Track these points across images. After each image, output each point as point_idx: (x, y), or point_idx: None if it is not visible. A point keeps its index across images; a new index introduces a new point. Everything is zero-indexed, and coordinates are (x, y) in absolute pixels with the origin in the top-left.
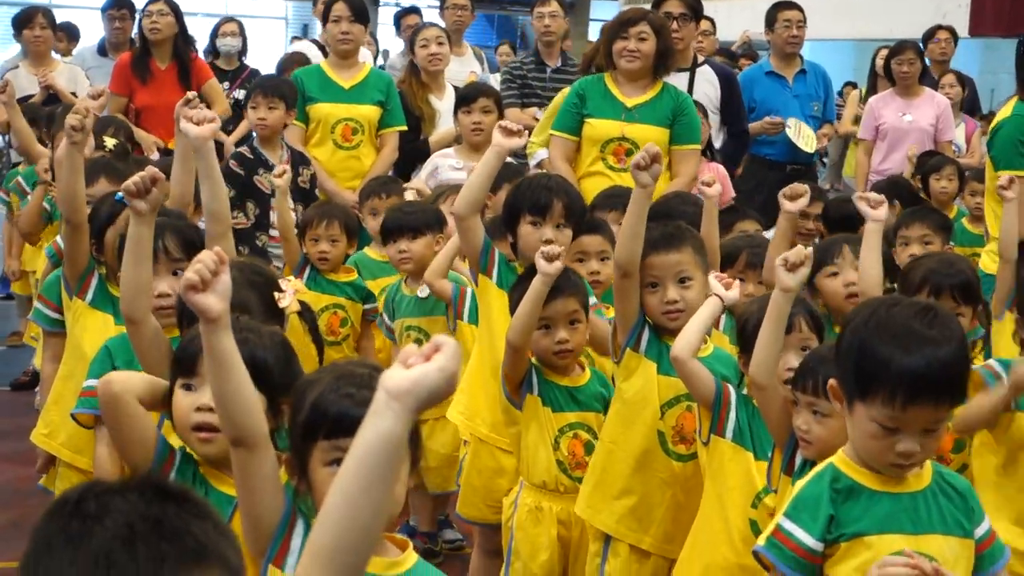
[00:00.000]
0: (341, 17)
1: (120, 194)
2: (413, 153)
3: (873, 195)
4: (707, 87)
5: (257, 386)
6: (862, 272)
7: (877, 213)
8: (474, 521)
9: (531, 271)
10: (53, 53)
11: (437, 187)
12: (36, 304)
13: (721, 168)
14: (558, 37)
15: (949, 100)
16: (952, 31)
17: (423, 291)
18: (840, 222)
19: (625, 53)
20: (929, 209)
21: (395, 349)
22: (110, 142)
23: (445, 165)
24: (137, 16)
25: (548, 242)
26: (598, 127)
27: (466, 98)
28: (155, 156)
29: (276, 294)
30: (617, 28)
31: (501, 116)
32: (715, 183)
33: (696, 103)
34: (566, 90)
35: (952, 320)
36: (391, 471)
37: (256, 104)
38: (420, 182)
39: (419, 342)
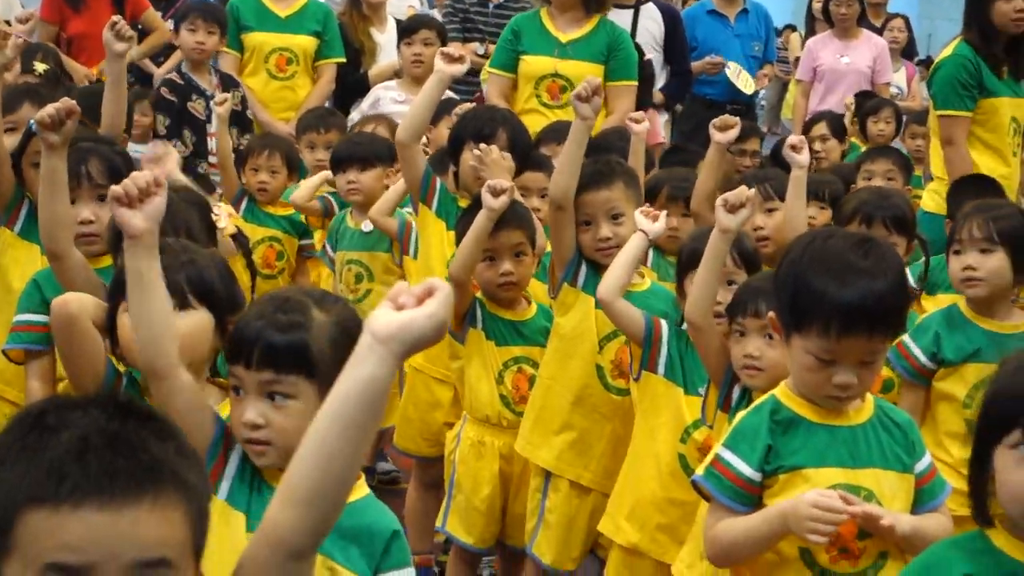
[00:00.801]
0: None
1: (33, 123)
2: (354, 86)
3: (796, 138)
4: (651, 24)
5: (207, 307)
6: (788, 219)
7: (800, 158)
8: (411, 454)
9: (476, 204)
10: None
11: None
12: None
13: (652, 113)
14: None
15: (895, 44)
16: None
17: (367, 225)
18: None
19: None
20: (893, 148)
21: (334, 281)
22: (40, 67)
23: (387, 98)
24: None
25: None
26: (532, 64)
27: (408, 29)
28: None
29: (213, 214)
30: None
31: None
32: (643, 120)
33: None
34: None
35: (889, 251)
36: (371, 417)
37: (195, 27)
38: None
39: (359, 277)
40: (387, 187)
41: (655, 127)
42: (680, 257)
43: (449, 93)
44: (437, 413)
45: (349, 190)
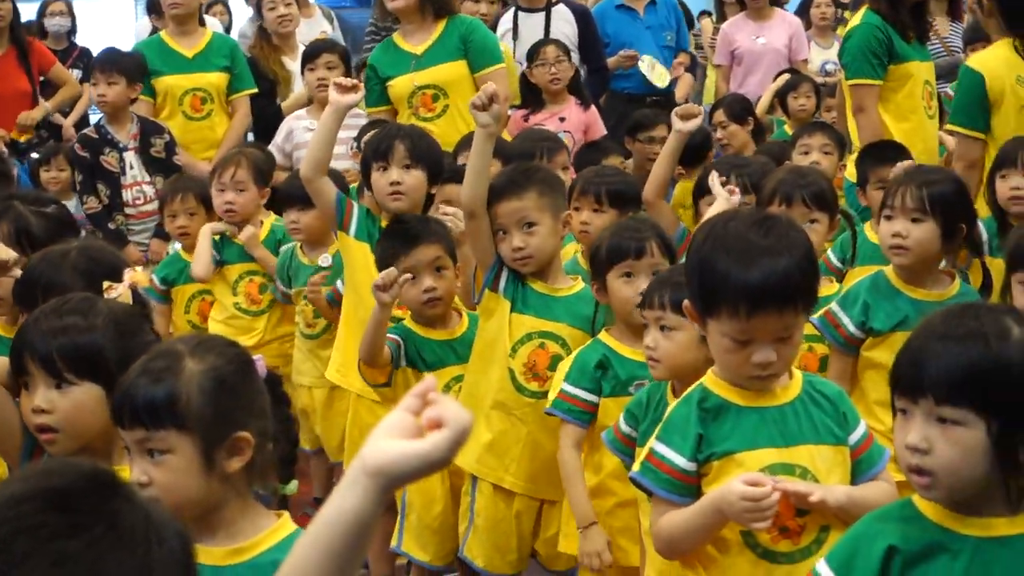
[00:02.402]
0: None
1: None
2: (272, 118)
3: (693, 107)
4: (564, 26)
5: (91, 379)
6: (651, 179)
7: (687, 125)
8: None
9: (392, 224)
10: None
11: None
12: None
13: (592, 109)
14: None
15: (823, 20)
16: None
17: (324, 259)
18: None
19: None
20: (827, 123)
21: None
22: None
23: (299, 127)
24: None
25: (395, 183)
26: (396, 86)
27: (309, 55)
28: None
29: (106, 283)
30: None
31: (348, 72)
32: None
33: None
34: None
35: (791, 227)
36: (354, 549)
37: (95, 81)
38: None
39: (317, 313)
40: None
41: (596, 127)
42: (595, 254)
43: None
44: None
45: (291, 229)
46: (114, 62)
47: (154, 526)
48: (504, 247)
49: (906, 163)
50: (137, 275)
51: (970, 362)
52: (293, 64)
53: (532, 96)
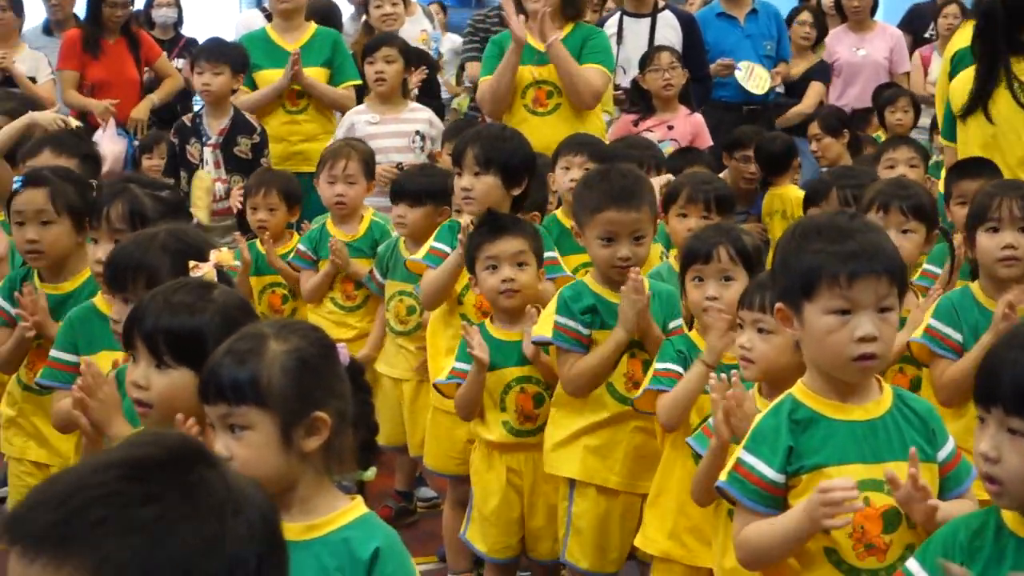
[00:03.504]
0: None
1: (17, 179)
2: None
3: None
4: (669, 32)
5: (187, 364)
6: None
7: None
8: (441, 472)
9: (484, 216)
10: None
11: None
12: None
13: (698, 117)
14: None
15: (804, 41)
16: None
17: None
18: (773, 159)
19: None
20: (912, 138)
21: (381, 308)
22: (72, 121)
23: (360, 121)
24: None
25: (465, 189)
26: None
27: (368, 48)
28: (111, 123)
29: (192, 263)
30: None
31: (407, 65)
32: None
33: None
34: None
35: (871, 222)
36: None
37: (201, 70)
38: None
39: (411, 310)
40: (437, 224)
41: (703, 137)
42: (681, 255)
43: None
44: (460, 431)
45: (397, 223)
46: (221, 52)
47: (233, 498)
48: (607, 253)
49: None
50: (222, 255)
51: None
52: None
53: (643, 102)
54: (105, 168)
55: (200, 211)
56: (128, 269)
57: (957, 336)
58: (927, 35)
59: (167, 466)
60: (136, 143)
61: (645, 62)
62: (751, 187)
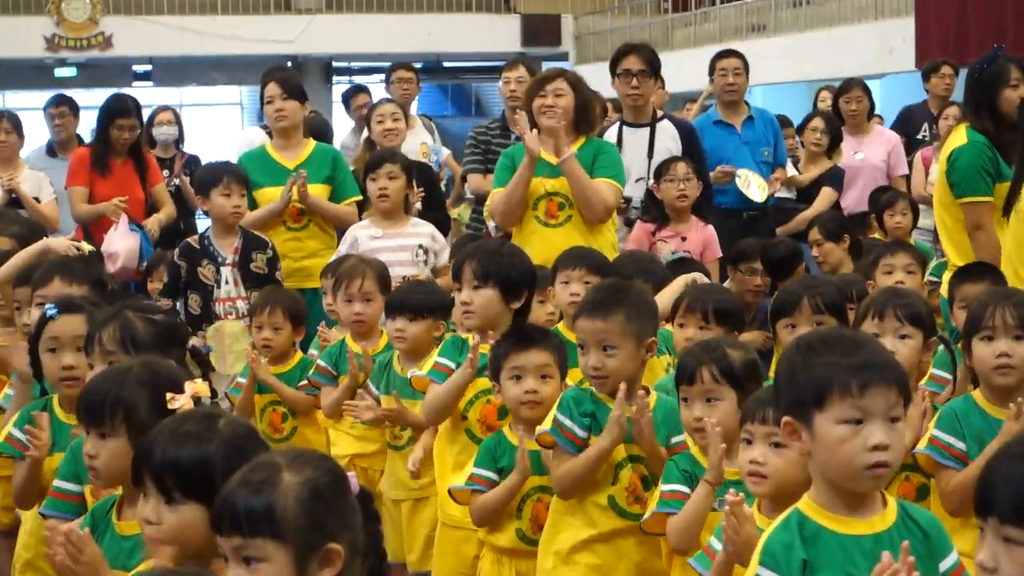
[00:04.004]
0: (274, 96)
1: (49, 309)
2: None
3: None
4: (668, 142)
5: (195, 499)
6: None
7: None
8: None
9: (513, 326)
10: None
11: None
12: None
13: (711, 230)
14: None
15: (816, 147)
16: (954, 66)
17: (412, 372)
18: (778, 264)
19: (544, 109)
20: (910, 243)
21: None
22: (86, 247)
23: (363, 236)
24: (79, 112)
25: (465, 303)
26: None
27: (371, 165)
28: (123, 219)
29: (169, 395)
30: (535, 87)
31: (410, 182)
32: None
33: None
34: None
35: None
36: None
37: (229, 191)
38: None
39: (405, 426)
40: (436, 339)
41: (713, 247)
42: (677, 369)
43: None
44: (468, 546)
45: (396, 337)
46: (242, 175)
47: None
48: (582, 361)
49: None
50: (198, 386)
51: None
52: None
53: (657, 212)
54: (119, 264)
55: (226, 363)
56: (105, 404)
57: (961, 445)
58: (919, 136)
59: None
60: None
61: (661, 172)
62: (756, 300)
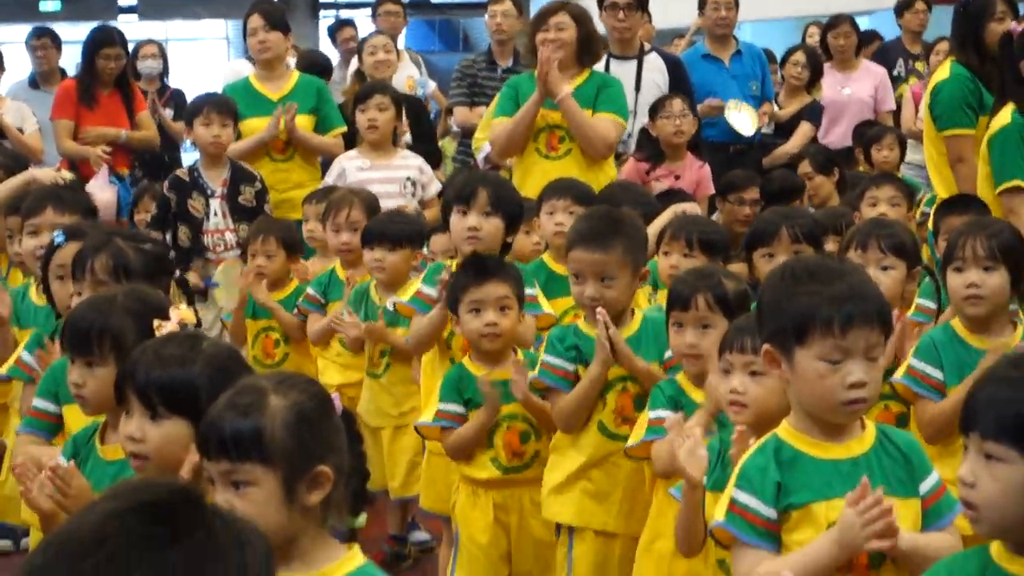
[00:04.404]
0: (257, 28)
1: (57, 235)
2: None
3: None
4: (655, 75)
5: (180, 414)
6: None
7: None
8: (438, 514)
9: (468, 259)
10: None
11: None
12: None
13: (706, 169)
14: (510, 36)
15: (796, 81)
16: (928, 1)
17: (390, 303)
18: (778, 196)
19: (547, 43)
20: (895, 175)
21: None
22: (66, 175)
23: (351, 167)
24: (61, 44)
25: (472, 228)
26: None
27: (360, 96)
28: (103, 171)
29: (156, 322)
30: (538, 21)
31: (399, 114)
32: None
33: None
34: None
35: (857, 267)
36: None
37: (209, 121)
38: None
39: (383, 353)
40: (413, 268)
41: (706, 185)
42: (667, 298)
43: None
44: (455, 473)
45: (374, 267)
46: (227, 104)
47: (239, 531)
48: (577, 291)
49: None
50: (184, 312)
51: (1018, 402)
52: None
53: (652, 149)
54: (98, 217)
55: (232, 300)
56: (91, 333)
57: (938, 375)
58: (894, 73)
59: (179, 506)
60: (130, 190)
61: (656, 109)
62: (744, 230)
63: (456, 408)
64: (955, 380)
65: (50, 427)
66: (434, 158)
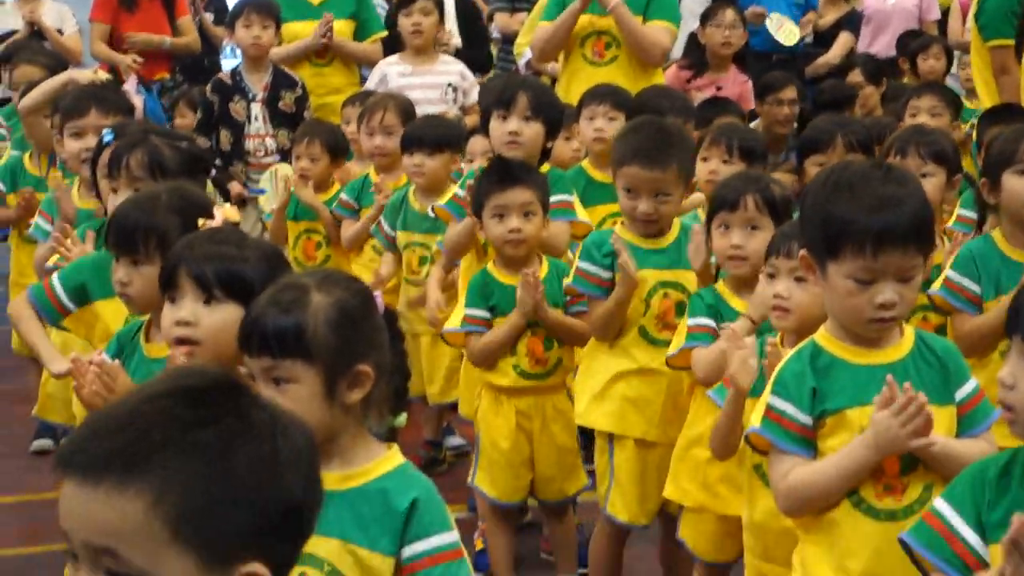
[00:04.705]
0: None
1: (106, 133)
2: None
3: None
4: None
5: (236, 300)
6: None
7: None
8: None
9: (492, 163)
10: None
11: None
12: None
13: (748, 84)
14: None
15: None
16: None
17: (431, 209)
18: (828, 106)
19: None
20: (942, 85)
21: (388, 257)
22: (103, 75)
23: (393, 72)
24: None
25: (513, 133)
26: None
27: (404, 0)
28: (132, 79)
29: (201, 220)
30: None
31: (441, 18)
32: None
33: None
34: None
35: (906, 174)
36: None
37: (250, 23)
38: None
39: (423, 260)
40: (450, 174)
41: (747, 99)
42: (709, 201)
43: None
44: None
45: (413, 172)
46: (268, 6)
47: (280, 423)
48: (629, 205)
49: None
50: (228, 211)
51: None
52: None
53: (696, 57)
54: None
55: (275, 201)
56: (137, 232)
57: (975, 288)
58: None
59: (218, 392)
60: (163, 102)
61: (707, 16)
62: (784, 131)
63: (481, 313)
64: (992, 293)
65: (54, 313)
66: (484, 63)
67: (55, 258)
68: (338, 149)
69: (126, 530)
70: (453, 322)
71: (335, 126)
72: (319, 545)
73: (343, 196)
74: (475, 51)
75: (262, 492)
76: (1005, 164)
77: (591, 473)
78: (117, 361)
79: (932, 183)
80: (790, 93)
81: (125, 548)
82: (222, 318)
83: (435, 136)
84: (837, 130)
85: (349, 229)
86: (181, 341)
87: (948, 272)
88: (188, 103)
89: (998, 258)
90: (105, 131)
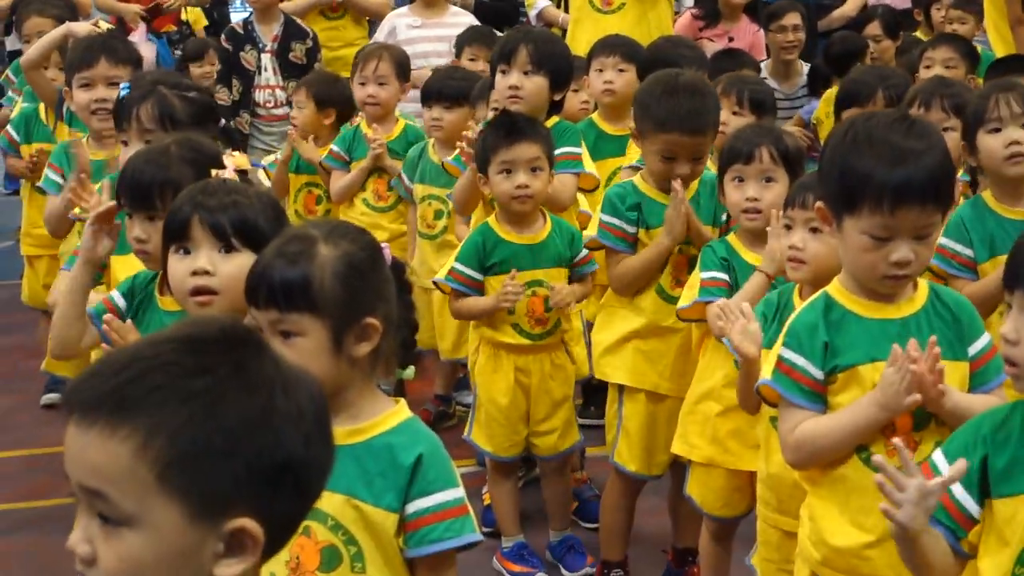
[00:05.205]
0: None
1: (125, 86)
2: None
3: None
4: None
5: (251, 248)
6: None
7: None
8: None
9: (499, 117)
10: None
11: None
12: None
13: (761, 34)
14: None
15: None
16: None
17: (447, 159)
18: (840, 58)
19: None
20: (958, 36)
21: (412, 210)
22: (104, 26)
23: (402, 24)
24: None
25: (513, 87)
26: None
27: None
28: (141, 28)
29: (214, 171)
30: None
31: None
32: None
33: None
34: None
35: (929, 127)
36: None
37: None
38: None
39: (439, 214)
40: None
41: (759, 49)
42: (722, 154)
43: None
44: None
45: (432, 126)
46: None
47: (283, 379)
48: (664, 168)
49: None
50: (238, 159)
51: None
52: None
53: (709, 5)
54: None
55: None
56: (152, 187)
57: (967, 252)
58: None
59: (220, 342)
60: (170, 48)
61: None
62: (791, 57)
63: (472, 273)
64: (985, 255)
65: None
66: (513, 16)
67: (77, 210)
68: (328, 99)
69: (115, 473)
70: (442, 272)
71: (329, 75)
72: (323, 499)
73: (333, 147)
74: (504, 2)
75: (253, 446)
76: (979, 124)
77: (582, 427)
78: (130, 321)
79: (954, 137)
80: (794, 19)
81: (115, 491)
82: (239, 266)
83: (453, 89)
84: (879, 83)
85: (339, 181)
86: (198, 291)
87: (940, 239)
88: (215, 53)
89: (991, 219)
90: (123, 84)
